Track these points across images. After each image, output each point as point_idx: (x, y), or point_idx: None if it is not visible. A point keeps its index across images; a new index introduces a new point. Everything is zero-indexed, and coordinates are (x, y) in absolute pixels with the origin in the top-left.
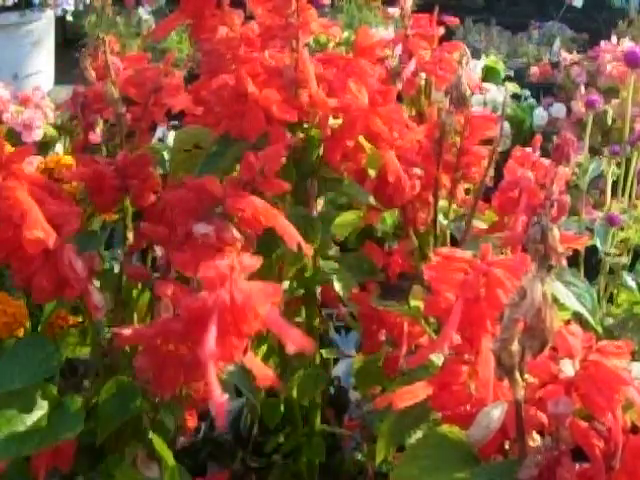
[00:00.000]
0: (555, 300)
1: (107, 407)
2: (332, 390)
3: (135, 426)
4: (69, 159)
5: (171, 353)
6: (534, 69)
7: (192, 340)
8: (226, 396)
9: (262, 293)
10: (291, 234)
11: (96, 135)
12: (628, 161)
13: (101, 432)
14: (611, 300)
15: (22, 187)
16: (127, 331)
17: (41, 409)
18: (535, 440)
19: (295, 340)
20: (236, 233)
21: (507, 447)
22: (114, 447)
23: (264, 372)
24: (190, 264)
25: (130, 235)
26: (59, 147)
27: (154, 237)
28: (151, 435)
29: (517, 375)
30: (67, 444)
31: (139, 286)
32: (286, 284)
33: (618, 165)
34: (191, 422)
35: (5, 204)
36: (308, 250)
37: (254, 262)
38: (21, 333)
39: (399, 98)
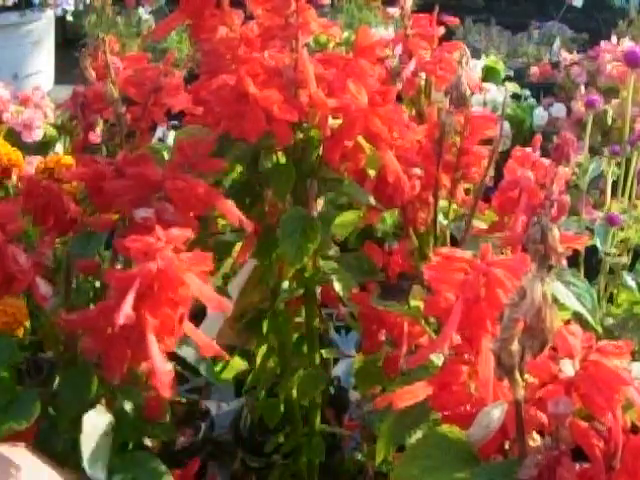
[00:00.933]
0: (555, 300)
1: (65, 394)
2: (332, 390)
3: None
4: (69, 159)
5: (115, 333)
6: (534, 69)
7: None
8: (169, 365)
9: (189, 261)
10: (232, 211)
11: (96, 135)
12: (628, 161)
13: (60, 419)
14: (611, 300)
15: None
16: (72, 315)
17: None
18: (535, 440)
19: (213, 302)
20: (176, 214)
21: (507, 447)
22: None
23: (206, 342)
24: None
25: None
26: (59, 147)
27: (100, 227)
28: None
29: (517, 375)
30: (25, 435)
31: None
32: (286, 284)
33: (618, 165)
34: (154, 409)
35: None
36: (249, 226)
37: (183, 233)
38: (21, 333)
39: (399, 98)
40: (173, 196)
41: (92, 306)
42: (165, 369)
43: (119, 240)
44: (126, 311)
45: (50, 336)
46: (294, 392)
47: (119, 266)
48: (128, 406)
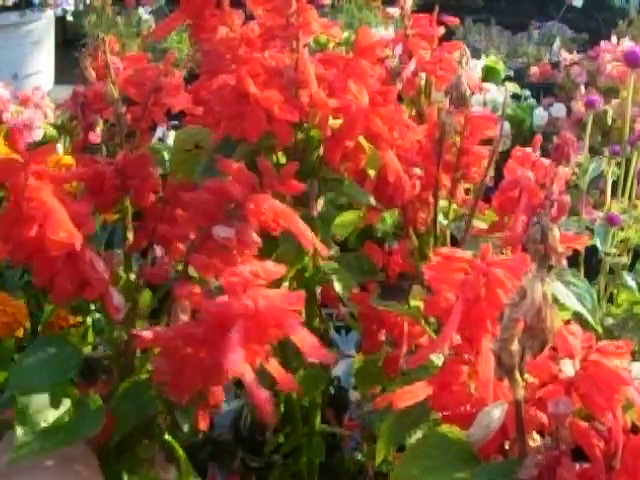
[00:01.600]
0: (555, 300)
1: (123, 407)
2: (332, 390)
3: (148, 426)
4: (69, 159)
5: (190, 356)
6: (534, 69)
7: (213, 345)
8: (267, 392)
9: (285, 300)
10: (307, 236)
11: (96, 135)
12: (628, 161)
13: (117, 431)
14: (611, 300)
15: (46, 187)
16: (147, 333)
17: (63, 407)
18: (535, 440)
19: (314, 351)
20: (255, 236)
21: (507, 447)
22: (126, 446)
23: (285, 377)
24: (209, 267)
25: (130, 235)
26: (59, 147)
27: (171, 238)
28: (167, 436)
29: (517, 375)
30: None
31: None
32: (286, 284)
33: (618, 165)
34: (202, 424)
35: (28, 204)
36: (324, 251)
37: (278, 269)
38: (21, 333)
39: (399, 98)
40: (254, 216)
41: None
42: (266, 397)
43: (196, 257)
44: (237, 360)
45: (110, 342)
46: (294, 392)
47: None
48: (186, 425)
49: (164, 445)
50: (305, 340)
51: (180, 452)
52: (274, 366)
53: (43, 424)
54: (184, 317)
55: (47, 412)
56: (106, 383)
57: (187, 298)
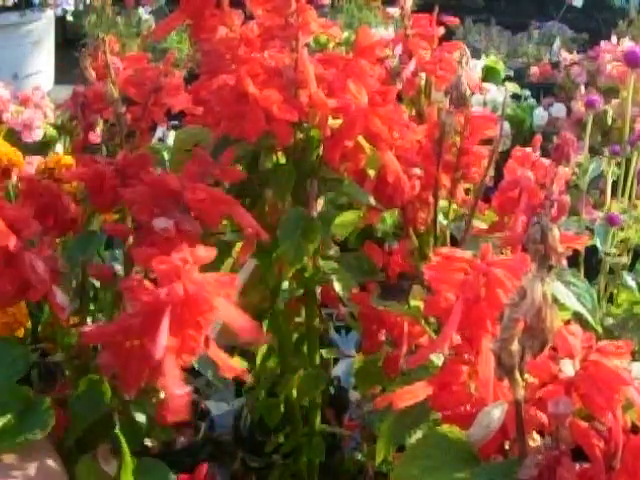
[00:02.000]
0: (555, 300)
1: (78, 405)
2: (332, 390)
3: (106, 424)
4: (69, 159)
5: (133, 349)
6: (534, 69)
7: (147, 334)
8: (186, 389)
9: (216, 284)
10: (250, 222)
11: (96, 135)
12: (628, 161)
13: (73, 430)
14: (611, 300)
15: None
16: (90, 328)
17: (11, 410)
18: (535, 440)
19: (246, 331)
20: (196, 226)
21: (507, 447)
22: (87, 446)
23: (228, 363)
24: (150, 259)
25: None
26: (59, 147)
27: (117, 234)
28: (116, 430)
29: (517, 375)
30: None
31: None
32: (286, 284)
33: (618, 165)
34: (162, 417)
35: None
36: (264, 236)
37: (208, 253)
38: (21, 333)
39: (399, 98)
40: (193, 206)
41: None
42: (180, 394)
43: (136, 250)
44: (162, 344)
45: (62, 344)
46: (294, 392)
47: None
48: (141, 417)
49: (112, 438)
50: (236, 320)
51: (124, 446)
52: (215, 352)
53: None
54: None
55: None
56: (64, 386)
57: (130, 292)
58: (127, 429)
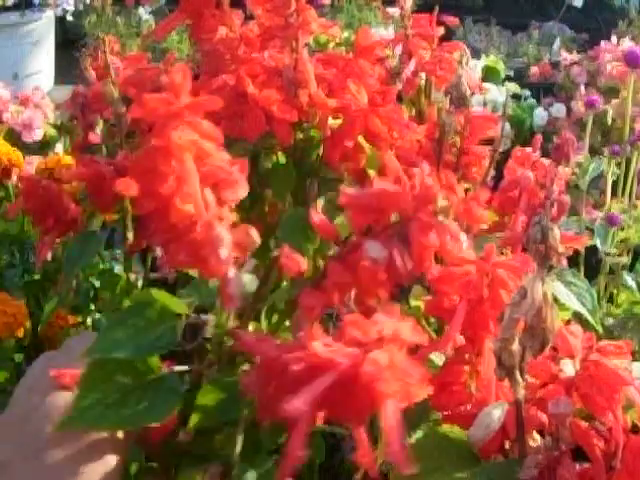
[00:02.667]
0: (555, 300)
1: (208, 401)
2: None
3: (228, 437)
4: (69, 159)
5: (280, 385)
6: (534, 69)
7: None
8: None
9: (397, 380)
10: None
11: (96, 135)
12: (628, 161)
13: (193, 422)
14: (611, 300)
15: (191, 147)
16: (250, 336)
17: (135, 385)
18: (535, 440)
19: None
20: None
21: (507, 447)
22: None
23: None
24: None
25: (130, 235)
26: (59, 147)
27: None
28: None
29: (518, 375)
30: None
31: None
32: (286, 284)
33: (618, 165)
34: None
35: (164, 158)
36: None
37: (414, 334)
38: (21, 333)
39: (399, 98)
40: (417, 239)
41: (92, 306)
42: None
43: (337, 267)
44: (299, 406)
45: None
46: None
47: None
48: (266, 441)
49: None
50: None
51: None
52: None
53: (108, 394)
54: (302, 335)
55: (114, 385)
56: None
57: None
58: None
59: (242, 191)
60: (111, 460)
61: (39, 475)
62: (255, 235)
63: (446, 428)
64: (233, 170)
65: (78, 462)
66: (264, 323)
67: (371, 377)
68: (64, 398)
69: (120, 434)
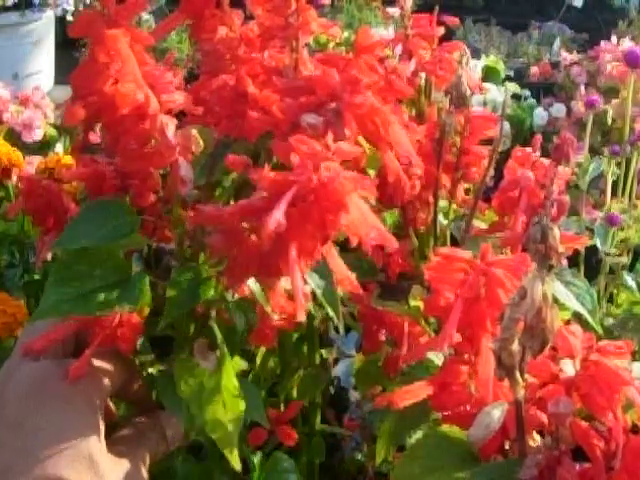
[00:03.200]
0: (555, 300)
1: (176, 292)
2: (332, 390)
3: (202, 321)
4: (69, 159)
5: (249, 236)
6: (534, 69)
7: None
8: (308, 287)
9: (355, 180)
10: (404, 143)
11: (96, 135)
12: (628, 161)
13: (165, 316)
14: (611, 300)
15: (125, 40)
16: (209, 208)
17: (104, 278)
18: (535, 440)
19: (377, 234)
20: (347, 131)
21: (507, 447)
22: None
23: (346, 275)
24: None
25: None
26: (59, 147)
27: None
28: (212, 323)
29: (517, 375)
30: (129, 328)
31: None
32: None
33: (618, 165)
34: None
35: (104, 52)
36: (419, 166)
37: (355, 150)
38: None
39: (399, 98)
40: (347, 111)
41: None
42: (305, 289)
43: (280, 143)
44: (278, 217)
45: (176, 228)
46: (294, 392)
47: None
48: (240, 322)
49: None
50: (367, 219)
51: (220, 338)
52: (334, 260)
53: (79, 287)
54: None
55: (86, 278)
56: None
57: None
58: (224, 331)
59: (178, 97)
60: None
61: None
62: (197, 136)
63: (446, 428)
64: (166, 75)
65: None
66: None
67: (329, 180)
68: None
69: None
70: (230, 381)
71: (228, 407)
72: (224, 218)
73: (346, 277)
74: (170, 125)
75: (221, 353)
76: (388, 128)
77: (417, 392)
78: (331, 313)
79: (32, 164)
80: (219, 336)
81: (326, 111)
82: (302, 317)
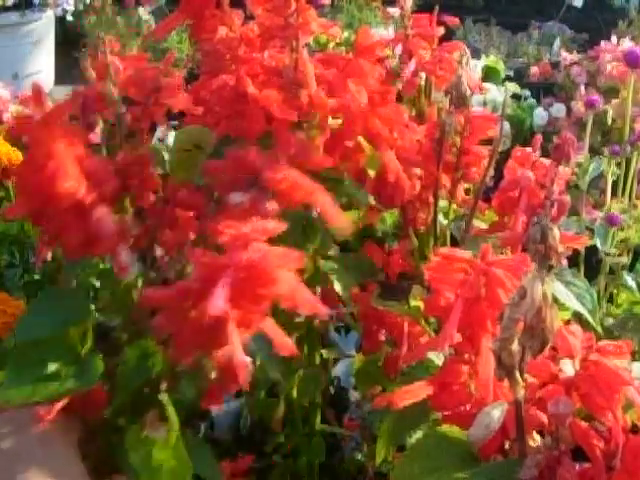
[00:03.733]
0: (555, 300)
1: (127, 368)
2: (332, 390)
3: (153, 393)
4: None
5: (190, 314)
6: (534, 69)
7: (204, 298)
8: (248, 359)
9: (282, 257)
10: (332, 212)
11: (96, 135)
12: (628, 161)
13: (119, 393)
14: (611, 300)
15: (60, 139)
16: (151, 290)
17: (60, 362)
18: (535, 440)
19: (307, 305)
20: (273, 206)
21: (507, 447)
22: (134, 417)
23: (283, 340)
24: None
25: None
26: None
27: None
28: (162, 397)
29: (517, 375)
30: (96, 397)
31: None
32: None
33: (618, 165)
34: (210, 399)
35: (41, 153)
36: (348, 229)
37: (278, 226)
38: None
39: (399, 98)
40: (272, 187)
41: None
42: (245, 361)
43: (211, 226)
44: (218, 303)
45: (121, 307)
46: (294, 392)
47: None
48: (189, 391)
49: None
50: (298, 293)
51: (173, 413)
52: (271, 327)
53: (37, 372)
54: None
55: (43, 363)
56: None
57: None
58: (174, 402)
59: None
60: None
61: None
62: (132, 222)
63: (446, 428)
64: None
65: None
66: None
67: (258, 259)
68: None
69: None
70: (178, 451)
71: (177, 476)
72: (165, 300)
73: (284, 342)
74: (107, 216)
75: (170, 424)
76: (312, 197)
77: (417, 392)
78: (273, 375)
79: None
80: (169, 408)
81: (251, 188)
82: (245, 385)
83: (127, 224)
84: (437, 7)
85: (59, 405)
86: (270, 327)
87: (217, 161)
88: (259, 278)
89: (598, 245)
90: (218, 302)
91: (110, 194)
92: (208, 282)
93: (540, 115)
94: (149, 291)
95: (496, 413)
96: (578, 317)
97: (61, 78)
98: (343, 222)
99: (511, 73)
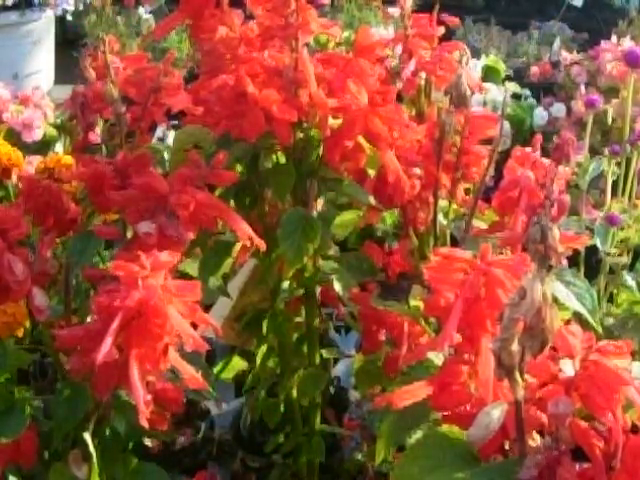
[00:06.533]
0: (555, 300)
1: (60, 409)
2: (332, 390)
3: (80, 429)
4: (69, 159)
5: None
6: (534, 69)
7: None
8: (149, 396)
9: (176, 290)
10: (243, 228)
11: (96, 135)
12: (628, 161)
13: (56, 434)
14: (611, 300)
15: None
16: (63, 331)
17: None
18: (535, 440)
19: (190, 340)
20: (183, 232)
21: (507, 447)
22: (63, 452)
23: (190, 374)
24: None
25: (130, 235)
26: (59, 147)
27: (109, 236)
28: (85, 435)
29: (517, 375)
30: (28, 444)
31: None
32: (286, 284)
33: (618, 165)
34: (161, 424)
35: None
36: (261, 245)
37: (170, 259)
38: (21, 333)
39: (399, 98)
40: (179, 211)
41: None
42: (144, 399)
43: (120, 255)
44: (105, 350)
45: (48, 346)
46: (294, 392)
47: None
48: (121, 424)
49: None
50: (183, 328)
51: (92, 449)
52: (177, 362)
53: None
54: None
55: None
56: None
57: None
58: (106, 435)
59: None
60: None
61: None
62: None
63: (446, 428)
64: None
65: None
66: (266, 323)
67: (149, 296)
68: None
69: None
70: None
71: None
72: (76, 341)
73: (192, 376)
74: (17, 262)
75: (91, 463)
76: (223, 216)
77: (417, 392)
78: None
79: (32, 164)
80: (91, 448)
81: (160, 215)
82: (144, 423)
83: (45, 265)
84: (437, 7)
85: None
86: (177, 361)
87: (124, 191)
88: (152, 314)
89: (598, 245)
90: (104, 349)
91: (18, 239)
92: (105, 323)
93: (540, 115)
94: (61, 332)
95: (496, 413)
96: (578, 317)
97: (61, 78)
98: (252, 238)
99: (511, 73)
